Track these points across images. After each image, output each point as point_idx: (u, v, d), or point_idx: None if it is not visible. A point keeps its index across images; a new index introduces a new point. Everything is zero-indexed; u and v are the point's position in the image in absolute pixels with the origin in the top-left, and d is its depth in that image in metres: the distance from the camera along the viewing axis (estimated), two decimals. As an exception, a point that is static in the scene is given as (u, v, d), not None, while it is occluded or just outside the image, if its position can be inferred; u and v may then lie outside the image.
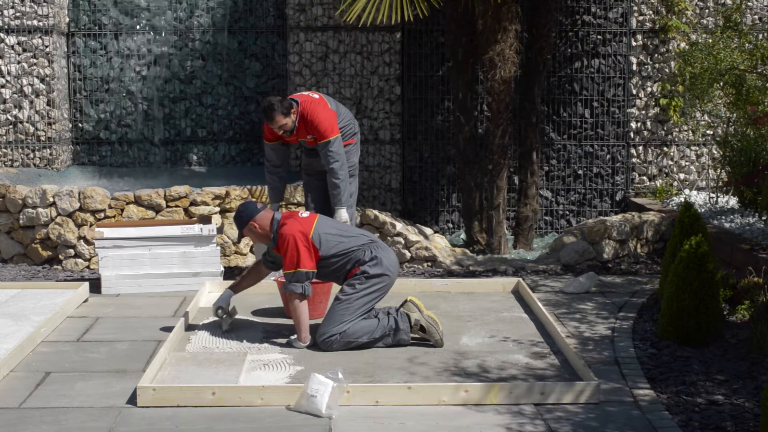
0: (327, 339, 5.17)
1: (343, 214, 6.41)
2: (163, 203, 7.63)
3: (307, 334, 5.27)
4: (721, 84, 7.86)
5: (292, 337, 5.32)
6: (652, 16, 9.21)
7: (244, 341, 5.36)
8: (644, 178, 9.35)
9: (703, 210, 8.30)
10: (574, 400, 4.42)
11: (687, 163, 9.41)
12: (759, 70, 7.49)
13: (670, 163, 9.36)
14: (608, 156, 9.32)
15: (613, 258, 7.75)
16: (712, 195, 8.85)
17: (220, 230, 7.41)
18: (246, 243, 7.71)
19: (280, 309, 6.06)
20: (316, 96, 6.55)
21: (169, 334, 5.31)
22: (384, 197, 9.19)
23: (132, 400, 4.45)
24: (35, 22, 8.83)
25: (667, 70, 9.22)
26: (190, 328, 5.64)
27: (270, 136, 6.60)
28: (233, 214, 5.56)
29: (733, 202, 8.41)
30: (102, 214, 7.57)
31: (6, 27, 8.83)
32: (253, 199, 7.67)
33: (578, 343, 5.41)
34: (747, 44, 7.70)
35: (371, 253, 5.30)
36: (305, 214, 5.41)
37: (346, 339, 5.17)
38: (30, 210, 7.57)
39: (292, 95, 6.64)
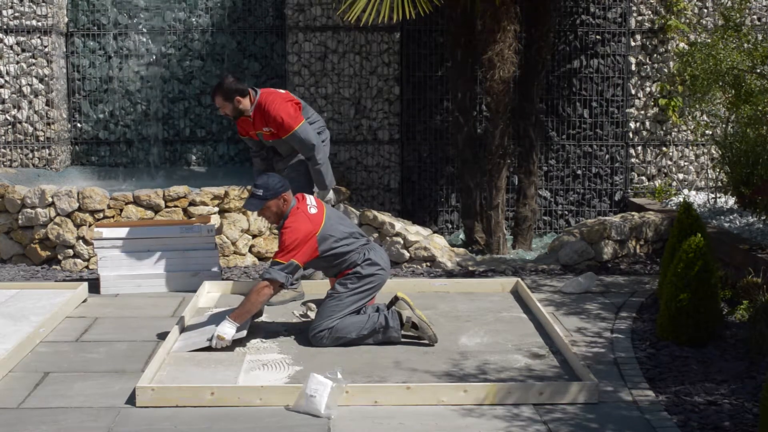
0: (317, 334, 5.25)
1: (329, 196, 6.56)
2: (162, 203, 7.63)
3: (242, 320, 5.19)
4: (721, 84, 7.85)
5: (228, 316, 5.21)
6: (651, 16, 9.21)
7: (243, 341, 5.36)
8: (643, 178, 9.35)
9: (702, 210, 8.30)
10: (572, 401, 4.42)
11: (686, 163, 9.41)
12: (759, 71, 7.49)
13: (669, 163, 9.36)
14: (607, 156, 9.33)
15: (613, 258, 7.75)
16: (711, 195, 8.85)
17: (219, 230, 7.41)
18: (245, 243, 7.70)
19: (279, 309, 6.07)
20: (282, 91, 6.44)
21: (168, 334, 5.30)
22: (383, 197, 9.20)
23: (131, 400, 4.44)
24: (34, 22, 8.83)
25: (666, 71, 9.22)
26: (189, 328, 5.63)
27: (241, 131, 6.60)
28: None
29: (732, 202, 8.41)
30: (101, 214, 7.56)
31: (5, 27, 8.82)
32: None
33: (577, 343, 5.41)
34: (746, 44, 7.69)
35: (365, 255, 5.39)
36: (313, 210, 5.38)
37: (336, 334, 5.24)
38: (29, 210, 7.56)
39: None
